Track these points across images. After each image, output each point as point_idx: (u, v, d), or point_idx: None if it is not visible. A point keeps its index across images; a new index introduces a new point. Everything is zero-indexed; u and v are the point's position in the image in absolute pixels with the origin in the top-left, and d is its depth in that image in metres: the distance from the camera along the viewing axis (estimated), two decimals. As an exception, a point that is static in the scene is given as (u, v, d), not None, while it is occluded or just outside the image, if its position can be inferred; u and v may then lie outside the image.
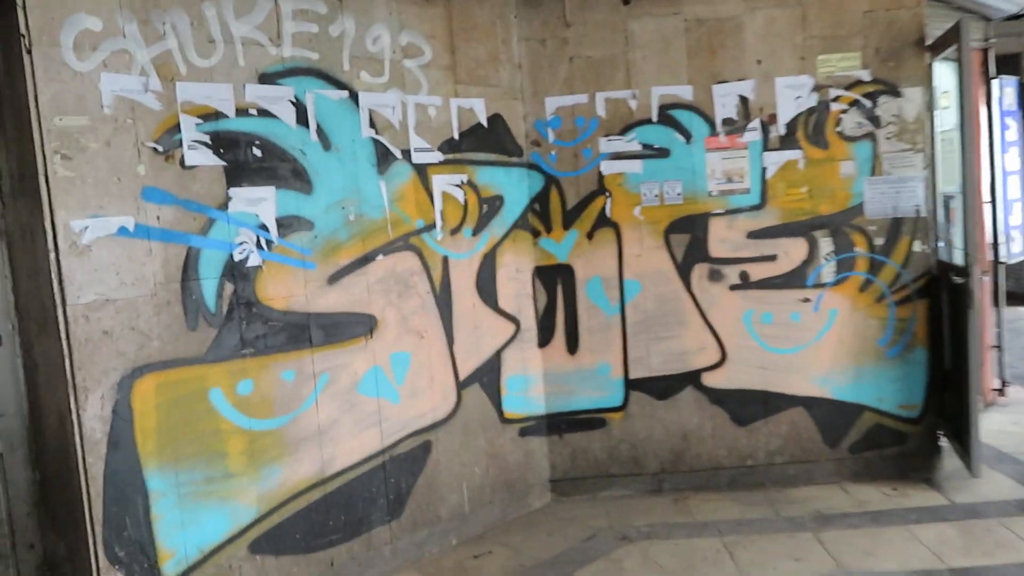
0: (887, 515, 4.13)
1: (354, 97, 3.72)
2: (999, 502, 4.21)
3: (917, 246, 4.50)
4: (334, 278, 3.64)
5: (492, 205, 4.33)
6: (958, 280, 4.23)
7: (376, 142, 3.80)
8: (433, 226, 4.04)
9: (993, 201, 5.74)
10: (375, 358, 3.78)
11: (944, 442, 4.58)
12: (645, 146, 4.50)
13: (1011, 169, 5.88)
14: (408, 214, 3.94)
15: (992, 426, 5.32)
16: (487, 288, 4.33)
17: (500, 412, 4.40)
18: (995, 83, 5.71)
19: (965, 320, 4.19)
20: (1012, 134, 5.90)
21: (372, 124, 3.79)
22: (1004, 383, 5.82)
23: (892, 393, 4.54)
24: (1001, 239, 5.69)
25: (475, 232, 4.25)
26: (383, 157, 3.83)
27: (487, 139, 4.31)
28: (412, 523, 3.96)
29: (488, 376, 4.33)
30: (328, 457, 3.60)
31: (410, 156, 3.95)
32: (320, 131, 3.58)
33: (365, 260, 3.75)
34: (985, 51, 5.65)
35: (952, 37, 4.27)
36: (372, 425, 3.77)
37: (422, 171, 4.00)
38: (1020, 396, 5.88)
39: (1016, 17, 5.68)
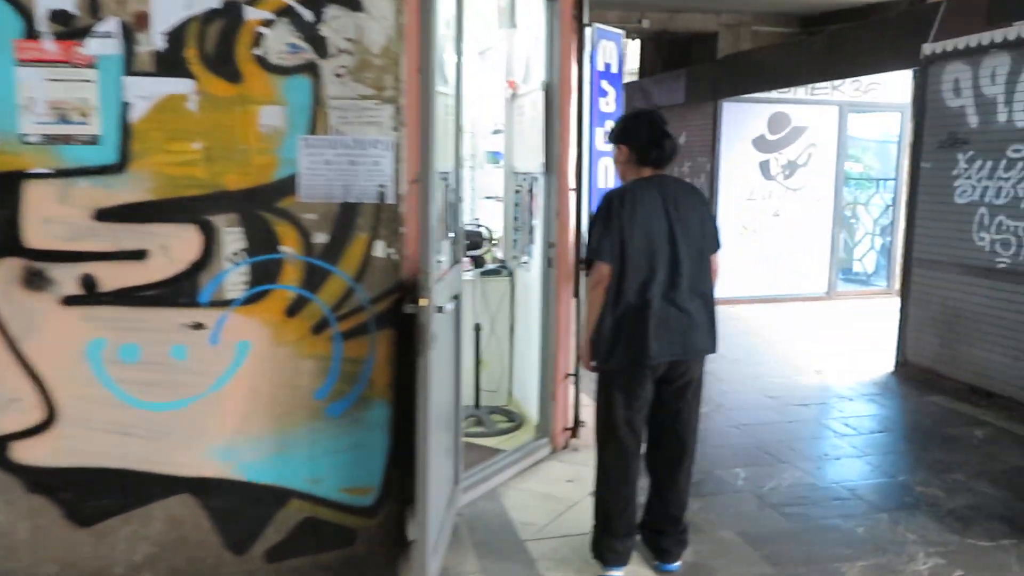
0: None
1: None
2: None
3: (380, 249, 2.92)
4: None
5: None
6: (410, 308, 2.71)
7: None
8: None
9: (579, 189, 4.45)
10: None
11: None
12: None
13: (606, 148, 4.59)
14: None
15: (539, 485, 4.03)
16: None
17: None
18: (588, 33, 4.35)
19: (413, 367, 2.70)
20: (609, 103, 4.60)
21: None
22: (577, 422, 4.60)
23: (334, 471, 2.98)
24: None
25: None
26: None
27: None
28: None
29: None
30: None
31: None
32: None
33: None
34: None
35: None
36: None
37: None
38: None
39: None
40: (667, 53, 11.35)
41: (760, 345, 7.41)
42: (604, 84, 4.51)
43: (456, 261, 3.39)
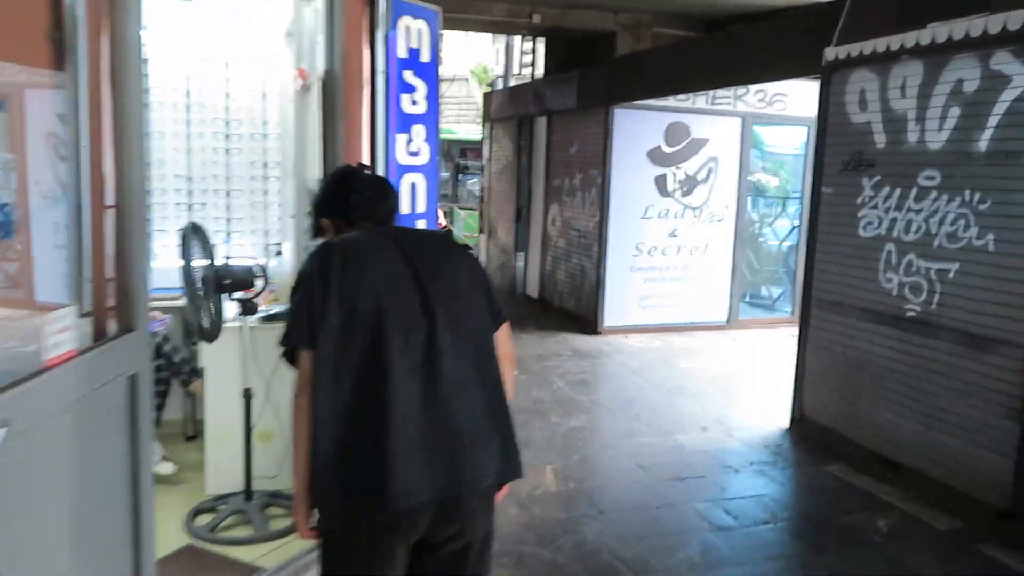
0: None
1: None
2: None
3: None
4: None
5: None
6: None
7: None
8: None
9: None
10: None
11: None
12: None
13: (413, 162, 3.46)
14: None
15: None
16: None
17: None
18: (381, 5, 3.21)
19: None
20: (417, 103, 3.46)
21: None
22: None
23: None
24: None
25: None
26: None
27: None
28: None
29: None
30: None
31: None
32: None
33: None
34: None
35: None
36: None
37: None
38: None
39: None
40: (565, 53, 10.35)
41: (644, 389, 6.42)
42: (409, 76, 3.37)
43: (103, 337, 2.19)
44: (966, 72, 4.22)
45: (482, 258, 11.79)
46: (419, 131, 3.39)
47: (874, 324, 4.79)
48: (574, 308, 8.96)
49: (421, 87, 3.43)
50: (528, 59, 14.89)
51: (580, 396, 6.14)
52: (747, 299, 9.42)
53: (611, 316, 8.39)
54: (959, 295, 4.24)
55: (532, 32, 10.53)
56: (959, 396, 4.21)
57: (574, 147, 8.97)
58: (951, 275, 4.29)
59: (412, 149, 3.37)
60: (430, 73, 3.49)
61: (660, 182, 8.39)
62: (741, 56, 6.50)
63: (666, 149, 8.36)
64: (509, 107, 10.92)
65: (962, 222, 4.22)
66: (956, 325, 4.25)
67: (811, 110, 5.75)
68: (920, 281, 4.47)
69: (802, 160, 9.13)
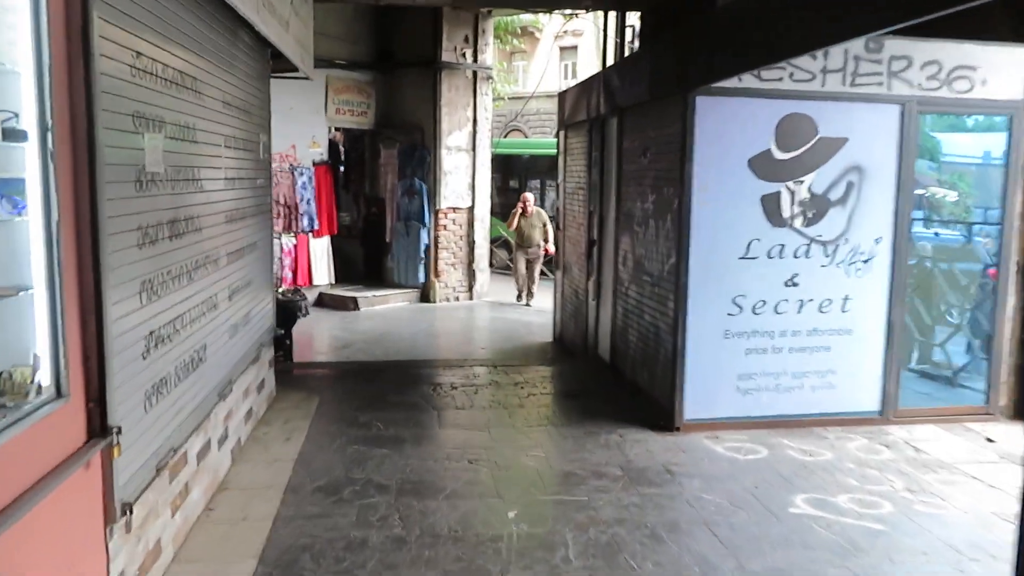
0: None
1: None
2: None
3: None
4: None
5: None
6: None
7: None
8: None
9: None
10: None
11: None
12: None
13: None
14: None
15: None
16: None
17: None
18: None
19: None
20: None
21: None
22: None
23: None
24: None
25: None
26: None
27: None
28: None
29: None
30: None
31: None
32: None
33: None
34: None
35: None
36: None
37: None
38: None
39: None
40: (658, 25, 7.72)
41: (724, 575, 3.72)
42: None
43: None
44: None
45: (555, 299, 9.32)
46: None
47: None
48: (646, 385, 6.29)
49: None
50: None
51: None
52: (910, 368, 6.34)
53: (693, 403, 5.67)
54: None
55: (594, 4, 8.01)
56: None
57: (647, 155, 6.33)
58: None
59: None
60: None
61: (770, 204, 5.60)
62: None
63: (779, 155, 5.57)
64: (581, 106, 8.41)
65: None
66: None
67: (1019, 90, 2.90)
68: None
69: (1001, 167, 6.00)
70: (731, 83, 5.38)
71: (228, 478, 4.61)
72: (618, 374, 7.03)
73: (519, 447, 5.33)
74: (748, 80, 5.42)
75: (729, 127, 5.50)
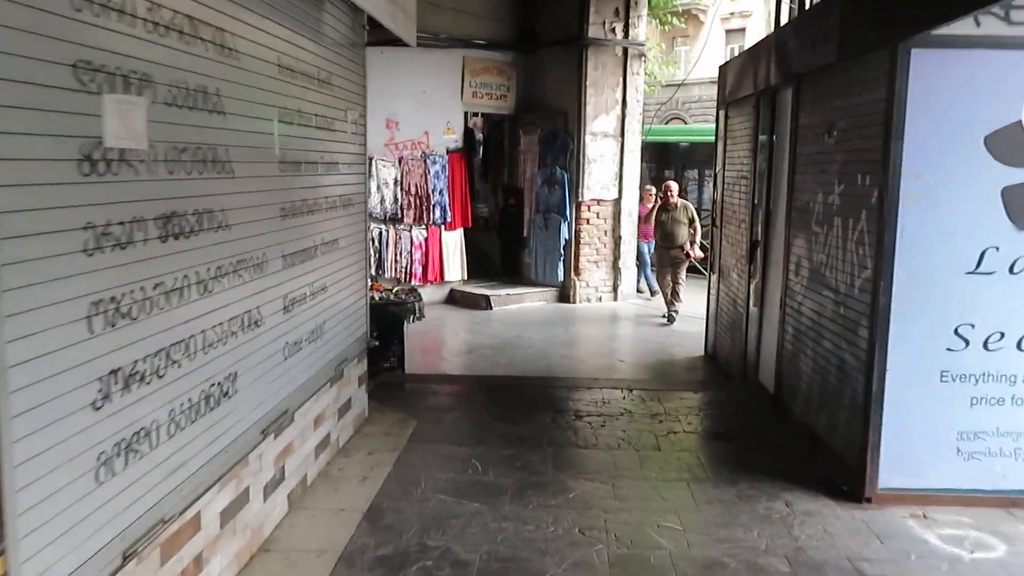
0: None
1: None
2: None
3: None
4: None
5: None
6: None
7: None
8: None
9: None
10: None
11: None
12: None
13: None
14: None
15: None
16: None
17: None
18: None
19: None
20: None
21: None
22: None
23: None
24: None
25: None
26: None
27: None
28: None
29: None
30: None
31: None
32: None
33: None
34: None
35: None
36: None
37: None
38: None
39: None
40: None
41: None
42: None
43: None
44: None
45: (708, 307, 7.93)
46: None
47: None
48: (824, 432, 4.83)
49: None
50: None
51: None
52: None
53: (893, 467, 4.19)
54: None
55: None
56: None
57: (832, 134, 4.85)
58: None
59: None
60: None
61: (1017, 199, 4.00)
62: None
63: (1034, 129, 3.96)
64: (746, 78, 6.95)
65: None
66: None
67: None
68: None
69: None
70: (963, 28, 3.84)
71: (277, 534, 3.73)
72: (784, 411, 5.58)
73: (649, 512, 4.10)
74: (990, 24, 3.86)
75: (958, 91, 3.96)
